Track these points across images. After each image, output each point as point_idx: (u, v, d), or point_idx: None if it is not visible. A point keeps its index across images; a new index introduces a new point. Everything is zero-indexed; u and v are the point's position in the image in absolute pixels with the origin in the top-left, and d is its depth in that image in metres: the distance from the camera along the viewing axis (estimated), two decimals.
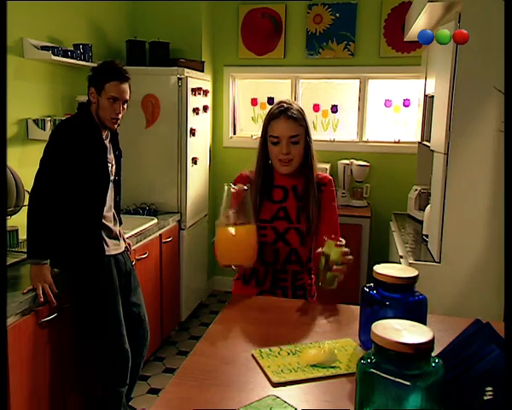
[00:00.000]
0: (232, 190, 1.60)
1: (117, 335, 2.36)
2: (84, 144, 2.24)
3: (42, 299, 2.08)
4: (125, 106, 2.34)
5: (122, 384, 2.43)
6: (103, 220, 2.34)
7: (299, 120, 1.79)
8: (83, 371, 2.44)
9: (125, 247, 2.55)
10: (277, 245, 1.83)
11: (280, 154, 1.80)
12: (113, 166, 2.43)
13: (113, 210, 2.45)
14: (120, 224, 2.58)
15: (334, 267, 1.58)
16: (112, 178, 2.39)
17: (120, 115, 2.32)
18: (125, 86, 2.32)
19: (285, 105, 1.80)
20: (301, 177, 1.86)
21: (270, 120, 1.82)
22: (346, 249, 1.61)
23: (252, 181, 1.86)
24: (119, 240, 2.45)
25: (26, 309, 2.00)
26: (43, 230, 2.18)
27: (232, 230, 1.59)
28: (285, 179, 1.87)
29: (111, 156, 2.39)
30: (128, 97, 2.34)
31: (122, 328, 2.39)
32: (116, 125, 2.34)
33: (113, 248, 2.39)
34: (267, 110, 5.20)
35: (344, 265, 1.59)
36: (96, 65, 2.39)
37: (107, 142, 2.37)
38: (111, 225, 2.41)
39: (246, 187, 1.61)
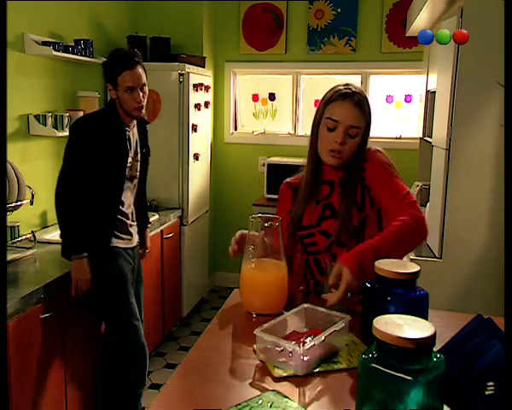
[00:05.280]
0: (266, 225, 1.40)
1: (130, 324, 2.34)
2: (102, 135, 2.24)
3: (73, 294, 2.21)
4: (145, 89, 2.30)
5: (140, 385, 2.43)
6: (119, 215, 2.35)
7: (365, 111, 1.57)
8: (93, 371, 2.45)
9: (137, 243, 2.54)
10: (333, 250, 1.58)
11: (333, 142, 1.56)
12: (138, 163, 2.41)
13: (132, 208, 2.45)
14: (146, 224, 2.61)
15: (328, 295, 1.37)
16: (136, 174, 2.40)
17: (143, 102, 2.28)
18: (138, 71, 2.25)
19: (353, 89, 1.57)
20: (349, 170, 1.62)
21: (330, 101, 1.58)
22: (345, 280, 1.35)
23: (295, 185, 1.70)
24: (131, 235, 2.45)
25: (26, 305, 2.00)
26: (76, 225, 2.23)
27: (258, 275, 1.43)
28: (332, 172, 1.64)
29: (132, 151, 2.37)
30: (144, 81, 2.28)
31: (134, 317, 2.36)
32: (142, 112, 2.31)
33: (122, 241, 2.39)
34: (268, 106, 5.09)
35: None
36: (104, 59, 2.37)
37: (132, 137, 2.37)
38: (128, 221, 2.42)
39: (277, 223, 1.41)
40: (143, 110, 2.31)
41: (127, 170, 2.34)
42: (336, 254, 1.55)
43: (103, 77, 2.31)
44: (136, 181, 2.44)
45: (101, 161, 2.25)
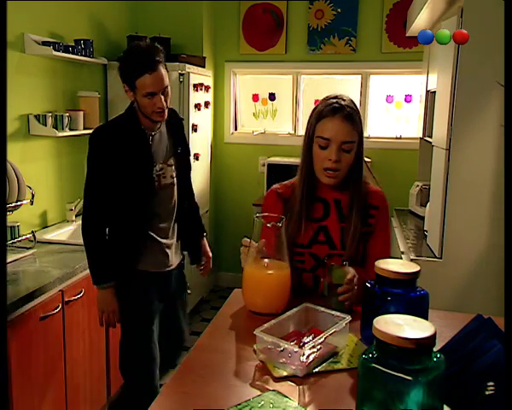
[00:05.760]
0: (268, 226, 1.40)
1: (141, 368, 2.09)
2: (122, 145, 1.99)
3: (100, 325, 2.08)
4: (168, 90, 1.98)
5: None
6: (151, 232, 2.06)
7: (356, 123, 1.53)
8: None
9: (180, 263, 2.22)
10: (317, 272, 1.60)
11: (327, 161, 1.53)
12: (173, 168, 2.10)
13: (172, 221, 2.13)
14: (201, 233, 2.32)
15: (339, 289, 1.42)
16: (172, 181, 2.10)
17: (165, 105, 1.97)
18: (159, 74, 1.93)
19: (342, 102, 1.52)
20: (346, 191, 1.59)
21: (321, 117, 1.54)
22: (352, 273, 1.43)
23: (286, 197, 1.64)
24: (167, 257, 2.13)
25: (26, 305, 2.00)
26: (102, 251, 2.02)
27: (262, 275, 1.43)
28: (327, 191, 1.61)
29: (161, 156, 2.07)
30: (167, 83, 1.96)
31: (149, 356, 2.09)
32: (164, 117, 2.01)
33: (152, 265, 2.08)
34: (268, 106, 5.07)
35: (349, 286, 1.41)
36: (121, 55, 2.02)
37: (159, 141, 2.07)
38: (164, 240, 2.10)
39: (280, 223, 1.41)
40: (165, 114, 2.00)
41: (157, 179, 2.04)
42: (320, 276, 1.55)
43: (119, 75, 1.98)
44: (173, 189, 2.11)
45: (123, 174, 1.99)
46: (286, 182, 1.69)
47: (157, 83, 1.92)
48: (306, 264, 1.60)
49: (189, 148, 2.25)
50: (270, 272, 1.44)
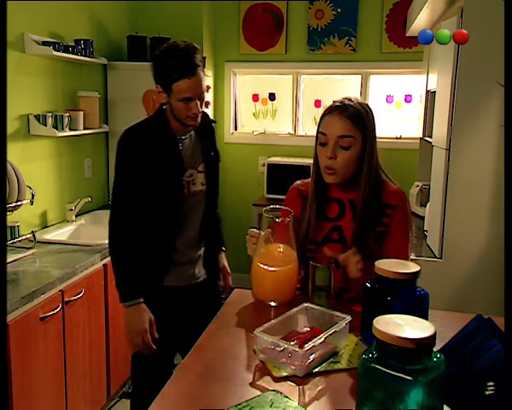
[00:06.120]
0: (277, 221, 1.46)
1: (148, 385, 1.95)
2: (151, 150, 1.86)
3: (135, 350, 1.89)
4: (204, 94, 1.88)
5: None
6: (178, 242, 1.93)
7: (357, 120, 1.53)
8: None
9: (204, 278, 2.05)
10: (330, 270, 1.58)
11: (325, 158, 1.54)
12: (203, 174, 1.98)
13: (198, 229, 2.00)
14: (219, 246, 2.16)
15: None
16: (202, 188, 1.97)
17: (200, 110, 1.87)
18: (198, 79, 1.82)
19: (346, 102, 1.54)
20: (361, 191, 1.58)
21: (323, 115, 1.57)
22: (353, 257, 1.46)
23: (306, 194, 1.66)
24: (195, 268, 2.00)
25: (26, 305, 2.00)
26: (132, 264, 1.87)
27: (270, 268, 1.47)
28: (341, 192, 1.62)
29: (191, 162, 1.95)
30: (204, 88, 1.86)
31: (159, 369, 1.95)
32: (197, 122, 1.89)
33: (174, 279, 1.94)
34: (268, 106, 5.09)
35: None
36: (157, 53, 1.87)
37: (189, 146, 1.96)
38: (190, 250, 1.97)
39: (288, 219, 1.46)
40: (199, 119, 1.89)
41: (187, 185, 1.92)
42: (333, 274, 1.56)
43: (152, 74, 1.86)
44: (202, 196, 1.98)
45: (151, 179, 1.87)
46: (307, 179, 1.71)
47: (195, 88, 1.81)
48: (321, 261, 1.58)
49: (219, 153, 2.10)
50: (278, 259, 1.49)
